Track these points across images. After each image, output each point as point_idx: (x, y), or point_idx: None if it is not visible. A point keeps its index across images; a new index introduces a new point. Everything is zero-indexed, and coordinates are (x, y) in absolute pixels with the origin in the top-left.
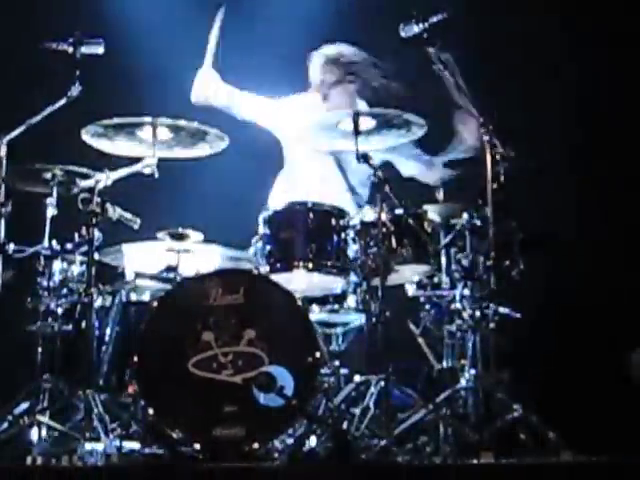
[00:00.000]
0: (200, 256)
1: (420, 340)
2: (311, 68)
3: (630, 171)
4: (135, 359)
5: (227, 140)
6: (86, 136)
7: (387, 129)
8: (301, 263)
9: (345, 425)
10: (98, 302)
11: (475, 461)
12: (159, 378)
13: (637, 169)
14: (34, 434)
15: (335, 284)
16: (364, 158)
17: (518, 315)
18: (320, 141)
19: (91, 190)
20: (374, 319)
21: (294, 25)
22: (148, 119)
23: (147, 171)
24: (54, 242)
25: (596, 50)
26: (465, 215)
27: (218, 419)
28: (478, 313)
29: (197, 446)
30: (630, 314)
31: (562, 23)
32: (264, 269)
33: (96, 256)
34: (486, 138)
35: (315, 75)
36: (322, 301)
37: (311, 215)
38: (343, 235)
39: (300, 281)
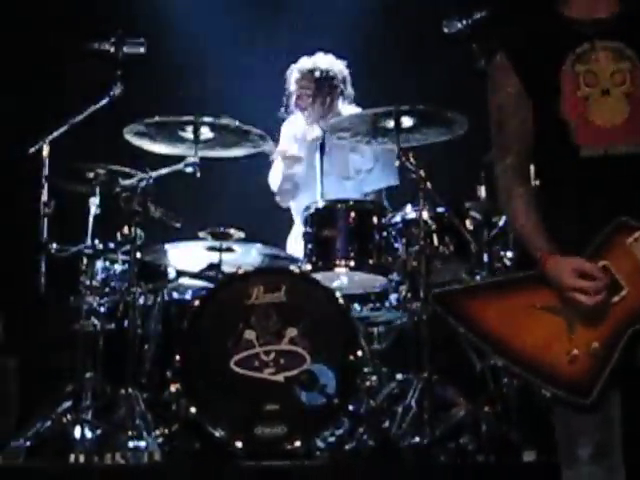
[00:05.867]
0: (242, 254)
1: (462, 338)
2: (290, 82)
3: None
4: (177, 358)
5: (269, 139)
6: (128, 135)
7: (427, 127)
8: (343, 262)
9: (387, 424)
10: (140, 301)
11: (518, 460)
12: (201, 377)
13: None
14: (77, 432)
15: (377, 282)
16: (405, 156)
17: None
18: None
19: (133, 189)
20: (416, 317)
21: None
22: (190, 118)
23: (189, 170)
24: (97, 241)
25: None
26: None
27: (260, 417)
28: None
29: (239, 444)
30: None
31: None
32: (306, 267)
33: (138, 255)
34: None
35: (293, 89)
36: (364, 299)
37: (352, 213)
38: (385, 233)
39: (342, 279)
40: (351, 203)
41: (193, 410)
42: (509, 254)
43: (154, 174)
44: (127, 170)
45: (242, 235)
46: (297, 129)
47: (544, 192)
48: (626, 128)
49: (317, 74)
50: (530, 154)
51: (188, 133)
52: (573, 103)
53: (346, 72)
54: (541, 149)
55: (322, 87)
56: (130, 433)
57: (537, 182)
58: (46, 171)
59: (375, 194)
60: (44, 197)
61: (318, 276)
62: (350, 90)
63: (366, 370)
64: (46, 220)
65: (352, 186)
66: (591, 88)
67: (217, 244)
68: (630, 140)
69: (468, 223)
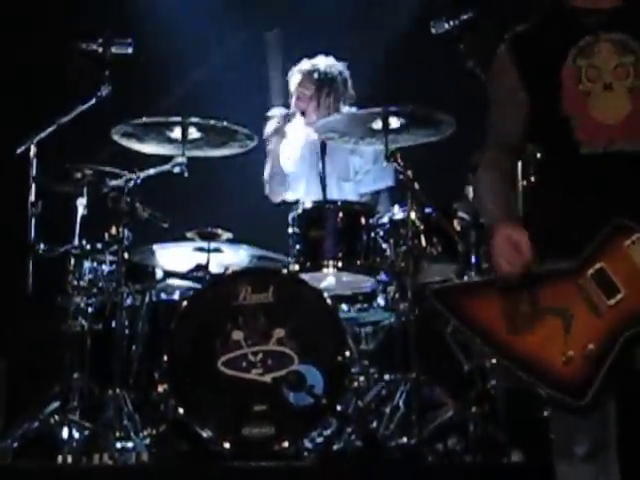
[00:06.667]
0: (229, 255)
1: (450, 339)
2: (290, 84)
3: None
4: (165, 358)
5: (256, 139)
6: (116, 136)
7: (415, 128)
8: (331, 262)
9: (374, 424)
10: (128, 301)
11: (505, 460)
12: (189, 377)
13: None
14: (64, 433)
15: (365, 283)
16: (392, 157)
17: None
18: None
19: (121, 189)
20: (404, 318)
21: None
22: (178, 119)
23: (176, 170)
24: (84, 241)
25: None
26: None
27: (248, 418)
28: None
29: (227, 445)
30: None
31: None
32: (293, 268)
33: (126, 255)
34: None
35: (293, 90)
36: (351, 300)
37: (341, 214)
38: (373, 234)
39: (329, 280)
40: (339, 204)
41: (181, 411)
42: None
43: (142, 174)
44: (115, 170)
45: (230, 236)
46: (296, 130)
47: (544, 190)
48: (627, 125)
49: (316, 75)
50: (512, 151)
51: (176, 133)
52: (574, 98)
53: (347, 74)
54: (543, 145)
55: (322, 89)
56: (118, 434)
57: (524, 183)
58: (34, 171)
59: (372, 195)
60: (32, 197)
61: (306, 277)
62: (351, 92)
63: (354, 371)
64: (34, 220)
65: (350, 187)
66: (593, 83)
67: (205, 245)
68: (630, 138)
69: (456, 223)
